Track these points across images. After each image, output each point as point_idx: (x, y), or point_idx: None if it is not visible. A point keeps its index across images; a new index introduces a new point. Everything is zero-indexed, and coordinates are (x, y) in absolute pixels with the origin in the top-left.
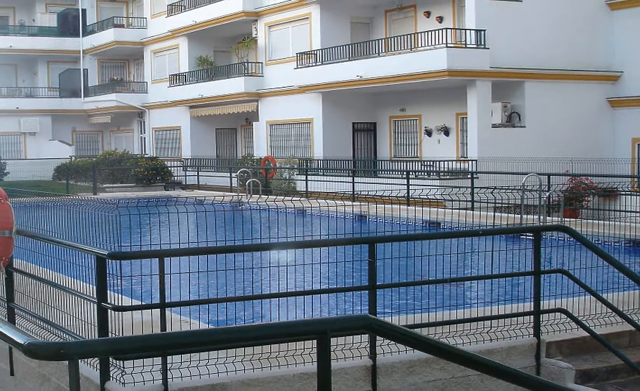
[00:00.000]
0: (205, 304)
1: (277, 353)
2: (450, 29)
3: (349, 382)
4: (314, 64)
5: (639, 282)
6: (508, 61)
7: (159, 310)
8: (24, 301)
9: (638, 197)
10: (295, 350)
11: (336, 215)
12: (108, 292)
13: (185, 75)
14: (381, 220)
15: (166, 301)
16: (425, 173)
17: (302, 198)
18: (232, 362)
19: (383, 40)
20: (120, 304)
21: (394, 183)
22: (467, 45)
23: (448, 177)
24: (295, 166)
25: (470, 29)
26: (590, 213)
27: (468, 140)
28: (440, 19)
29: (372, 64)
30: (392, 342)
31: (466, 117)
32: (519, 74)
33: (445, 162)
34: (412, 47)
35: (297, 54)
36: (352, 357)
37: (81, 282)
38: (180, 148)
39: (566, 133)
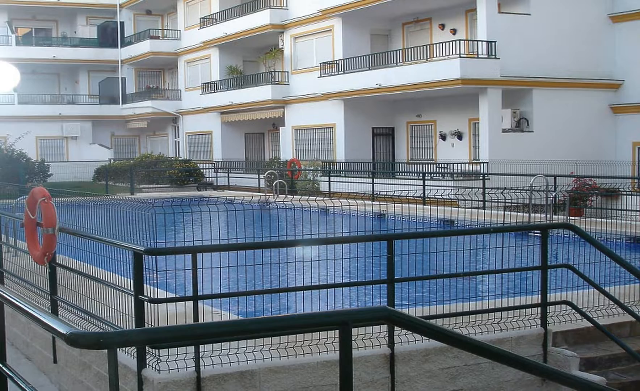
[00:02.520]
0: (235, 297)
1: (302, 343)
2: (463, 40)
3: (369, 369)
4: (336, 73)
5: (639, 276)
6: (517, 70)
7: (192, 302)
8: (66, 294)
9: (638, 197)
10: (319, 339)
11: (357, 213)
12: (144, 285)
13: (216, 84)
14: (399, 218)
15: (199, 294)
16: (440, 175)
17: (325, 198)
18: (260, 351)
19: (400, 50)
20: (155, 297)
21: (410, 184)
22: (479, 56)
23: (461, 178)
24: (319, 168)
25: (481, 41)
26: (593, 212)
27: (480, 143)
28: (453, 31)
29: (391, 73)
30: (409, 332)
31: (478, 123)
32: (527, 82)
33: (459, 165)
34: (428, 57)
35: (320, 63)
36: (372, 346)
37: (119, 276)
38: (211, 152)
39: (571, 137)
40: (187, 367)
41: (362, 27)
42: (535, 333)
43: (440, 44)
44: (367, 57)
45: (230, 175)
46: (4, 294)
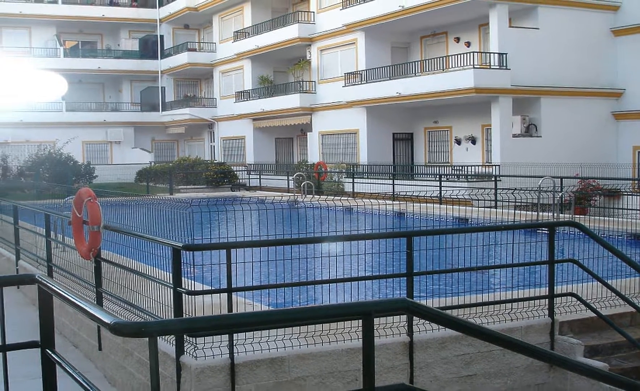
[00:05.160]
0: (266, 289)
1: (328, 331)
2: (477, 52)
3: (390, 356)
4: (359, 83)
5: (639, 270)
6: (526, 80)
7: (226, 294)
8: (110, 286)
9: (638, 197)
10: (344, 328)
11: (378, 212)
12: (182, 278)
13: (249, 92)
14: (417, 216)
15: (232, 286)
16: (455, 177)
17: (349, 198)
18: (289, 339)
19: (419, 62)
20: (193, 289)
21: (428, 185)
22: (491, 67)
23: (475, 179)
24: (344, 170)
25: (494, 53)
26: (597, 211)
27: (492, 148)
28: (468, 44)
29: (410, 83)
30: (426, 322)
31: (490, 128)
32: (536, 91)
33: (472, 167)
34: (444, 68)
35: (345, 74)
36: (392, 335)
37: (159, 270)
38: (244, 155)
39: (576, 142)
40: (221, 354)
41: (383, 40)
42: (543, 323)
43: (456, 56)
44: (388, 67)
45: (261, 176)
46: (53, 287)
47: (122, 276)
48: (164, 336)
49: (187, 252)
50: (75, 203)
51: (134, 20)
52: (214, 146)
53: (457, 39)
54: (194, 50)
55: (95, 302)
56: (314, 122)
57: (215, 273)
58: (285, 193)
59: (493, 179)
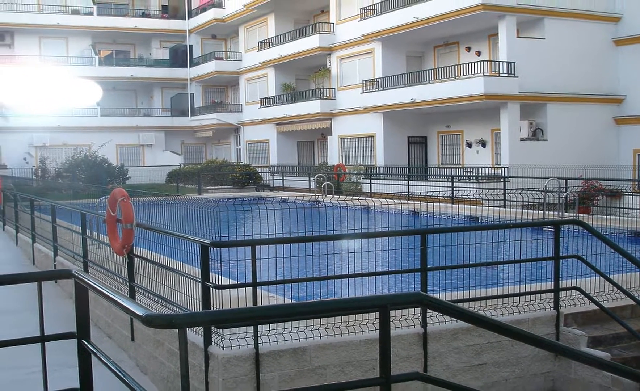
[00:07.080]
0: (289, 283)
1: (347, 323)
2: (487, 61)
3: (405, 346)
4: (376, 90)
5: (639, 265)
6: (533, 87)
7: (251, 288)
8: (142, 281)
9: (639, 197)
10: (362, 320)
11: (394, 211)
12: (210, 273)
13: (272, 99)
14: (431, 215)
15: (257, 281)
16: (466, 178)
17: (366, 198)
18: (311, 330)
19: (432, 70)
20: (220, 283)
21: (441, 186)
22: (500, 74)
23: (485, 180)
24: (362, 172)
25: (502, 61)
26: (599, 210)
27: (501, 150)
28: (478, 53)
29: (424, 89)
30: (440, 314)
31: (499, 132)
32: (542, 97)
33: (483, 169)
34: (456, 75)
35: (363, 81)
36: (407, 326)
37: (188, 266)
38: (268, 158)
39: (580, 145)
40: (247, 344)
41: (398, 50)
42: (549, 315)
43: (467, 64)
44: (404, 75)
45: (284, 178)
46: (88, 281)
47: (154, 271)
48: (192, 328)
49: (215, 249)
50: (109, 203)
51: (164, 31)
52: (239, 149)
53: (468, 49)
54: (221, 59)
55: (128, 296)
56: (334, 127)
57: (241, 269)
58: (306, 194)
59: (502, 180)
